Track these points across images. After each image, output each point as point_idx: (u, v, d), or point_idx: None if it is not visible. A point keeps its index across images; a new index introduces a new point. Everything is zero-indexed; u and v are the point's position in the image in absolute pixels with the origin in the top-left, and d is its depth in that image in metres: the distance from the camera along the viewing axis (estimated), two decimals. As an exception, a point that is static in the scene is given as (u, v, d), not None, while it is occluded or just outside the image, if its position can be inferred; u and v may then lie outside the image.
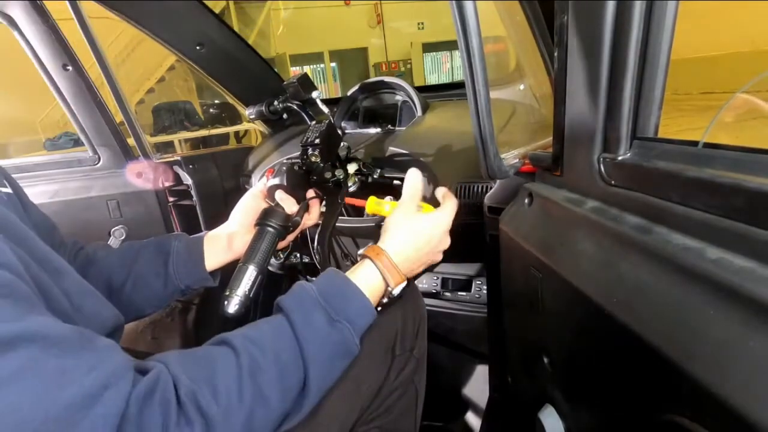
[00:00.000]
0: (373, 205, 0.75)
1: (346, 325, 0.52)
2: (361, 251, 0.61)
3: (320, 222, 0.78)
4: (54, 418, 0.33)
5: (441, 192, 0.70)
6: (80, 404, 0.34)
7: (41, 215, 0.63)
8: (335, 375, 0.53)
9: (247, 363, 0.44)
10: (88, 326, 0.42)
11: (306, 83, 1.01)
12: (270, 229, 0.66)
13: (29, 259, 0.42)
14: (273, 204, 0.72)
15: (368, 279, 0.58)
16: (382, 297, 0.60)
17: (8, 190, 0.56)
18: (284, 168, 0.79)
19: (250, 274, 0.61)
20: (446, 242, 0.66)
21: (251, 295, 0.61)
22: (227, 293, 0.59)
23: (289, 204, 0.72)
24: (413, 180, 0.68)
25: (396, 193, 0.97)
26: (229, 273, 0.64)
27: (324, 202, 0.81)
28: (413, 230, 0.62)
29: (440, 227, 0.64)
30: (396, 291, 0.60)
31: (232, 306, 0.59)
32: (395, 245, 0.61)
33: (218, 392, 0.41)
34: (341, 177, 0.83)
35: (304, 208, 0.75)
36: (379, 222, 0.93)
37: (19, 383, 0.32)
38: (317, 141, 0.79)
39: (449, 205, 0.67)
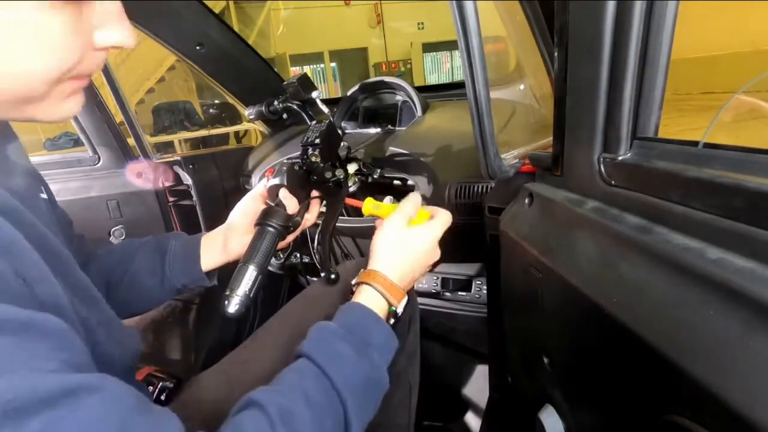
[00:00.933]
0: (369, 208, 0.75)
1: (374, 354, 0.51)
2: (354, 281, 0.61)
3: (320, 222, 0.78)
4: None
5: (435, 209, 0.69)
6: None
7: (61, 212, 0.62)
8: (372, 407, 0.51)
9: (275, 412, 0.41)
10: (115, 355, 0.42)
11: (306, 83, 1.01)
12: (270, 228, 0.66)
13: (69, 290, 0.40)
14: (273, 204, 0.71)
15: (372, 303, 0.57)
16: (387, 319, 0.59)
17: (44, 196, 0.54)
18: (284, 168, 0.79)
19: (251, 273, 0.61)
20: (436, 255, 0.65)
21: (251, 295, 0.61)
22: (227, 293, 0.59)
23: (291, 203, 0.72)
24: (412, 201, 0.66)
25: (395, 193, 0.98)
26: (228, 273, 0.64)
27: (324, 202, 0.81)
28: (401, 246, 0.61)
29: (428, 242, 0.63)
30: (399, 309, 0.60)
31: (233, 306, 0.58)
32: (388, 265, 0.60)
33: None
34: (341, 177, 0.83)
35: (305, 208, 0.75)
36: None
37: None
38: (318, 141, 0.79)
39: (439, 219, 0.65)
